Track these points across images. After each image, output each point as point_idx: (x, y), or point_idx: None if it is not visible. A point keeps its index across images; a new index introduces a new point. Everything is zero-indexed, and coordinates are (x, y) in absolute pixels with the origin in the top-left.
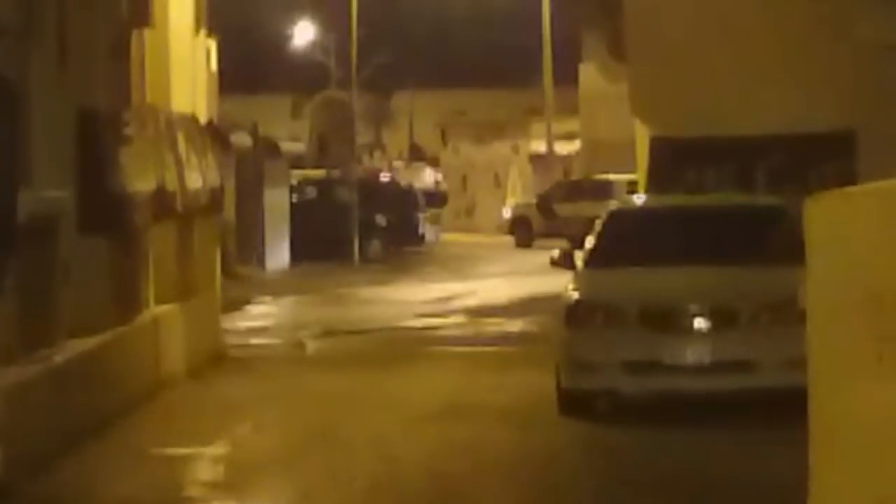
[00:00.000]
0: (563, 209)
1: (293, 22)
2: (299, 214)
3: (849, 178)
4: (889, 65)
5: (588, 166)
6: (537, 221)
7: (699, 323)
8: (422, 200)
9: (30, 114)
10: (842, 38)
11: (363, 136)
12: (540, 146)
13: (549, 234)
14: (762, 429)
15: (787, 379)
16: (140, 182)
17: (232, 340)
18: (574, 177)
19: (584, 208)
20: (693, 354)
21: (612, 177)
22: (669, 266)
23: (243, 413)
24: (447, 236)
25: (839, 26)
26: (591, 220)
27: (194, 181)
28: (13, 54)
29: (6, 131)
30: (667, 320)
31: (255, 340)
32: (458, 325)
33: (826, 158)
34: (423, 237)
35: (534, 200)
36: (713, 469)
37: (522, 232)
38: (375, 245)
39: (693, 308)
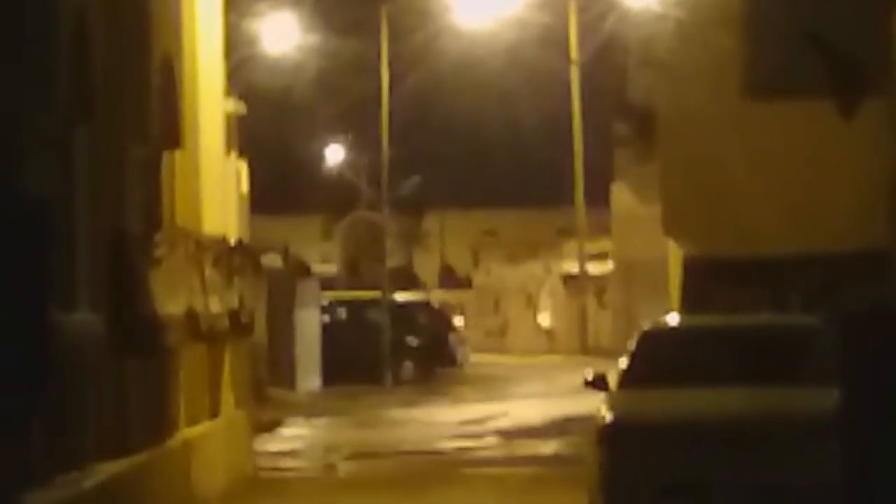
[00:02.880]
0: None
1: (324, 143)
2: (331, 336)
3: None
4: None
5: (621, 287)
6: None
7: (735, 444)
8: (453, 322)
9: (63, 237)
10: (879, 158)
11: (394, 258)
12: (572, 266)
13: None
14: None
15: (824, 501)
16: (170, 304)
17: (264, 462)
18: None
19: None
20: (731, 476)
21: None
22: (704, 387)
23: None
24: (479, 357)
25: (874, 145)
26: None
27: (224, 304)
28: (48, 177)
29: (40, 255)
30: (702, 442)
31: (286, 462)
32: (490, 447)
33: (860, 278)
34: (456, 358)
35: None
36: None
37: None
38: (408, 366)
39: (728, 429)
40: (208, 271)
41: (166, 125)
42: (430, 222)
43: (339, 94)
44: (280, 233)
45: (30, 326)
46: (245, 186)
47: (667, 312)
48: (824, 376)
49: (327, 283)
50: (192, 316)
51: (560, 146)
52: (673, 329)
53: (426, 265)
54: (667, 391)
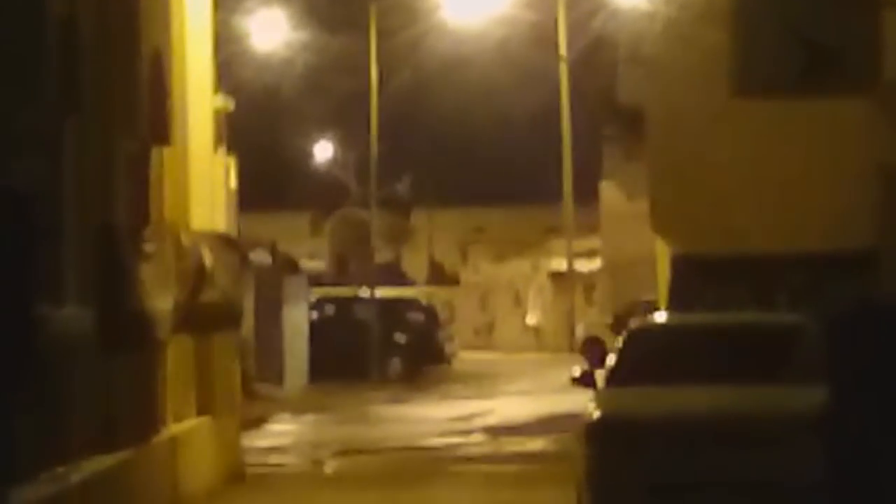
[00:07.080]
0: None
1: (313, 139)
2: (318, 332)
3: (871, 297)
4: None
5: (609, 285)
6: (612, 342)
7: (722, 441)
8: (443, 318)
9: (51, 231)
10: (866, 157)
11: (382, 255)
12: (560, 264)
13: None
14: None
15: (811, 498)
16: (158, 299)
17: (251, 459)
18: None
19: None
20: (719, 474)
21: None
22: (692, 384)
23: None
24: (467, 354)
25: (861, 143)
26: None
27: (211, 298)
28: (36, 171)
29: (27, 249)
30: (690, 439)
31: (273, 459)
32: (478, 444)
33: (846, 277)
34: (446, 356)
35: (608, 320)
36: None
37: (595, 353)
38: (395, 363)
39: (716, 427)
40: (196, 266)
41: (155, 120)
42: (419, 219)
43: (328, 90)
44: (268, 229)
45: (17, 321)
46: (233, 182)
47: (655, 310)
48: (811, 374)
49: (315, 280)
50: (180, 310)
51: (548, 144)
52: (661, 327)
53: (414, 262)
54: (655, 389)
